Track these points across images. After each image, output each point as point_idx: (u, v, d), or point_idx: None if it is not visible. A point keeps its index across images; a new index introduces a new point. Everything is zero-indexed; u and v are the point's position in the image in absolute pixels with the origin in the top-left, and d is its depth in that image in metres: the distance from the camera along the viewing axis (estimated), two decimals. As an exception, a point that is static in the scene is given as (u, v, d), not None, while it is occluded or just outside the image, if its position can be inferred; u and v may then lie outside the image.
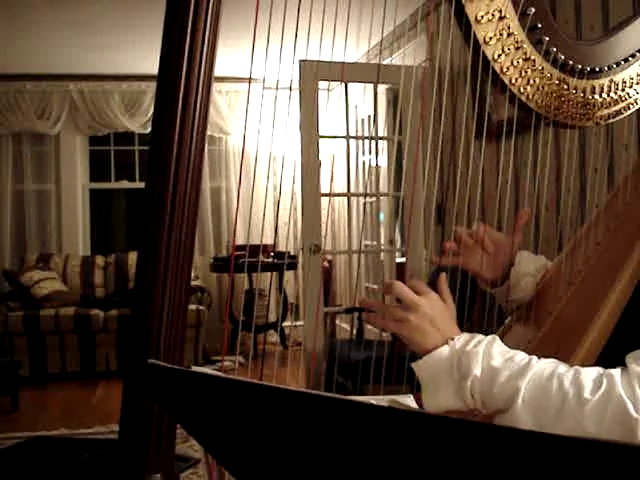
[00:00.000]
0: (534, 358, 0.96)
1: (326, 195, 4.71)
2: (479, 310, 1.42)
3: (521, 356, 0.97)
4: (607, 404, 0.87)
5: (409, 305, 1.03)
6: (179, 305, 1.07)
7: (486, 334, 1.23)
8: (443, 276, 1.11)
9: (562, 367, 0.94)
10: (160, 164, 1.05)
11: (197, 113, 1.05)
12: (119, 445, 1.09)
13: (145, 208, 1.07)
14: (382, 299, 1.18)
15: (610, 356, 0.96)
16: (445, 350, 1.00)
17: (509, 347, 1.00)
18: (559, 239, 2.82)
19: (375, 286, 5.37)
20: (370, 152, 5.38)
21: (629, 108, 1.39)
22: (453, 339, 1.00)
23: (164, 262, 1.05)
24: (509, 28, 1.23)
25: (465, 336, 1.01)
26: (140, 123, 6.32)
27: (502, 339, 1.13)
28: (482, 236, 1.33)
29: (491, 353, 0.97)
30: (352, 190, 4.81)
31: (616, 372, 0.91)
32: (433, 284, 1.12)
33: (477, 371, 0.95)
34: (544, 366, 0.94)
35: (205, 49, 1.06)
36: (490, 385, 0.94)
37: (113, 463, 1.12)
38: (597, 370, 0.92)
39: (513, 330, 1.33)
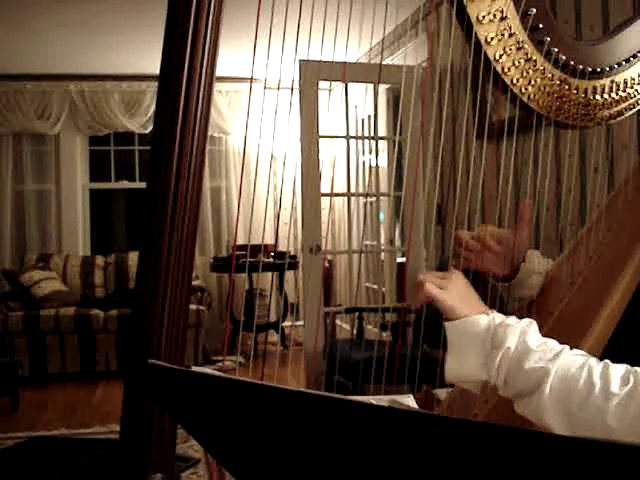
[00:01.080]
0: (567, 347, 0.96)
1: (326, 195, 4.71)
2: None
3: (554, 343, 0.97)
4: (631, 401, 0.87)
5: (444, 275, 1.06)
6: (180, 305, 1.07)
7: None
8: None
9: (593, 359, 0.94)
10: (161, 164, 1.05)
11: (198, 113, 1.05)
12: (120, 445, 1.08)
13: (146, 208, 1.07)
14: (381, 299, 1.18)
15: (612, 356, 0.96)
16: (483, 319, 1.00)
17: None
18: (560, 239, 2.82)
19: (375, 286, 5.37)
20: (370, 152, 5.38)
21: (630, 108, 1.39)
22: (493, 312, 1.02)
23: (165, 262, 1.05)
24: (510, 28, 1.23)
25: (503, 315, 1.02)
26: (140, 123, 6.32)
27: None
28: (486, 241, 1.32)
29: (528, 332, 0.97)
30: (352, 190, 4.82)
31: None
32: None
33: (512, 344, 0.95)
34: (575, 356, 0.94)
35: (207, 49, 1.06)
36: (521, 362, 0.94)
37: (114, 463, 1.12)
38: (625, 367, 0.92)
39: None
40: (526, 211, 1.37)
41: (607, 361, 0.93)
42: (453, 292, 1.03)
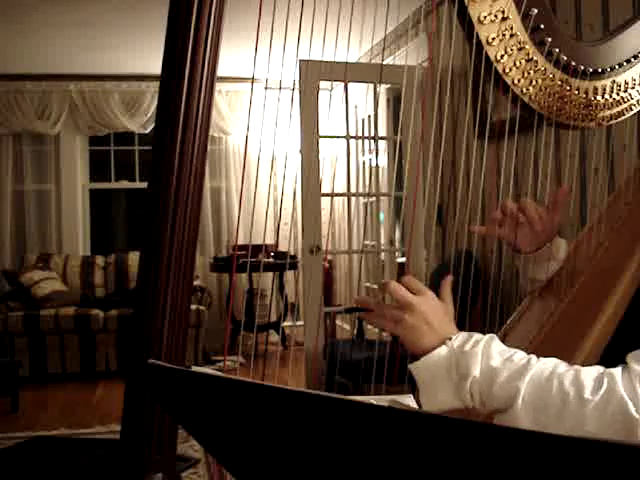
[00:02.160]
0: (533, 357, 0.95)
1: (326, 195, 4.71)
2: (480, 309, 1.42)
3: (520, 355, 0.96)
4: (608, 404, 0.86)
5: (404, 305, 1.03)
6: (181, 305, 1.07)
7: (488, 332, 1.23)
8: (449, 279, 1.11)
9: (562, 366, 0.93)
10: (163, 164, 1.05)
11: (200, 113, 1.05)
12: (120, 445, 1.08)
13: (148, 208, 1.07)
14: (383, 299, 1.17)
15: (612, 356, 0.96)
16: (443, 350, 0.99)
17: (511, 346, 1.00)
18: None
19: (375, 286, 5.37)
20: (370, 152, 5.38)
21: (631, 109, 1.39)
22: (450, 339, 1.00)
23: (166, 262, 1.05)
24: (512, 29, 1.23)
25: (462, 335, 1.00)
26: (140, 123, 6.32)
27: (505, 338, 1.13)
28: (532, 213, 1.32)
29: (490, 353, 0.96)
30: (352, 190, 4.82)
31: (617, 371, 0.91)
32: (435, 283, 1.12)
33: (476, 372, 0.95)
34: (544, 366, 0.93)
35: (208, 49, 1.06)
36: (489, 385, 0.94)
37: (114, 463, 1.12)
38: (597, 369, 0.92)
39: (515, 329, 1.33)
40: (563, 196, 1.36)
41: (577, 367, 0.93)
42: (409, 322, 1.01)
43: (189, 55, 1.04)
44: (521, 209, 1.33)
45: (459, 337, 1.00)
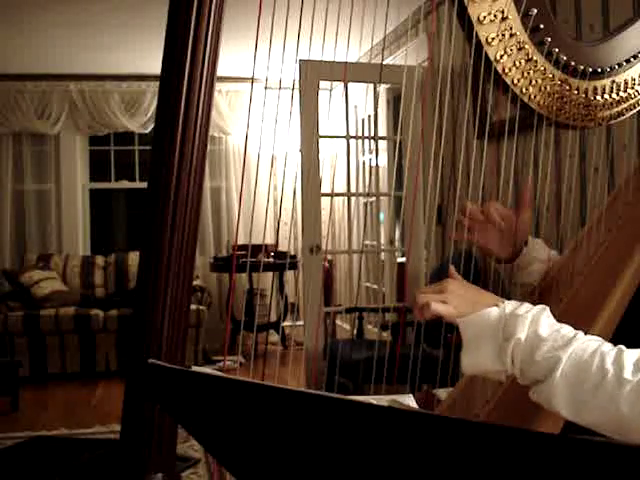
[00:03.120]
0: (580, 333, 0.96)
1: (326, 195, 4.71)
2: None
3: (568, 329, 0.96)
4: None
5: (441, 289, 1.05)
6: (181, 305, 1.07)
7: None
8: (452, 268, 1.12)
9: (607, 345, 0.93)
10: (162, 164, 1.05)
11: (199, 113, 1.05)
12: (120, 445, 1.08)
13: (147, 208, 1.07)
14: (382, 299, 1.17)
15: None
16: (494, 311, 1.00)
17: None
18: (559, 239, 2.82)
19: (375, 286, 5.37)
20: (370, 152, 5.38)
21: (631, 109, 1.39)
22: (503, 302, 1.01)
23: (166, 262, 1.05)
24: (511, 29, 1.23)
25: (513, 302, 1.01)
26: (140, 123, 6.32)
27: None
28: (491, 213, 1.33)
29: (539, 321, 0.96)
30: (352, 190, 4.81)
31: None
32: (436, 281, 1.12)
33: (522, 335, 0.95)
34: (588, 342, 0.94)
35: (208, 49, 1.06)
36: (532, 352, 0.94)
37: (114, 463, 1.12)
38: (639, 352, 0.92)
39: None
40: (526, 194, 1.38)
41: (621, 346, 0.92)
42: (457, 301, 1.03)
43: (189, 54, 1.04)
44: (483, 212, 1.34)
45: (512, 302, 1.01)
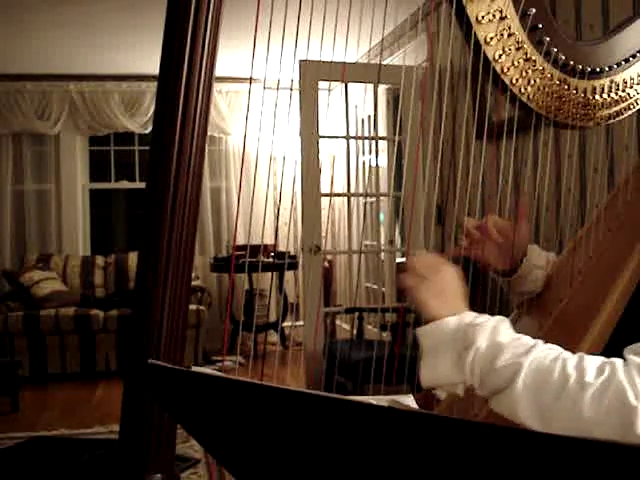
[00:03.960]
0: (540, 341, 0.95)
1: (326, 195, 4.70)
2: (479, 308, 1.42)
3: (527, 338, 0.96)
4: (607, 390, 0.86)
5: (436, 264, 1.05)
6: (180, 305, 1.07)
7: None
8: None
9: (567, 353, 0.93)
10: (161, 164, 1.05)
11: (198, 113, 1.05)
12: (119, 445, 1.08)
13: (146, 208, 1.07)
14: (381, 299, 1.16)
15: (611, 355, 0.96)
16: (452, 320, 0.99)
17: None
18: (559, 239, 2.82)
19: (375, 286, 5.37)
20: (370, 152, 5.38)
21: (630, 108, 1.39)
22: (463, 313, 1.00)
23: (165, 262, 1.05)
24: (510, 28, 1.23)
25: (473, 313, 1.01)
26: (140, 123, 6.32)
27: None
28: (489, 229, 1.33)
29: (499, 329, 0.96)
30: (352, 190, 4.81)
31: (618, 361, 0.91)
32: None
33: (482, 344, 0.94)
34: (549, 350, 0.93)
35: (206, 49, 1.06)
36: (492, 360, 0.93)
37: (113, 463, 1.12)
38: (601, 359, 0.91)
39: (514, 329, 1.33)
40: (524, 206, 1.38)
41: (581, 354, 0.92)
42: (431, 284, 1.03)
43: (187, 55, 1.04)
44: (479, 228, 1.34)
45: (470, 313, 1.01)
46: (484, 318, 0.98)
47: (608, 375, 0.87)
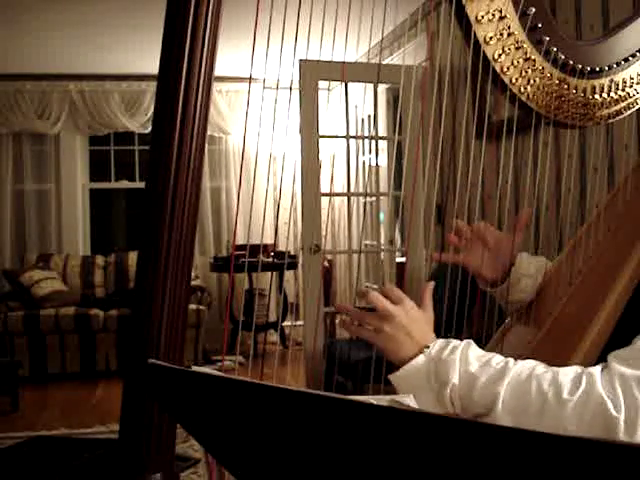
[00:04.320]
0: (511, 360, 0.96)
1: (326, 195, 4.70)
2: (479, 310, 1.42)
3: (497, 359, 0.97)
4: (587, 404, 0.87)
5: (385, 315, 1.03)
6: (179, 305, 1.07)
7: (486, 334, 1.23)
8: (430, 285, 1.12)
9: (540, 368, 0.94)
10: (160, 164, 1.05)
11: (197, 113, 1.05)
12: (119, 445, 1.08)
13: (145, 208, 1.07)
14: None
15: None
16: (421, 359, 1.00)
17: (509, 347, 1.00)
18: (559, 239, 2.82)
19: (375, 286, 5.37)
20: (370, 152, 5.38)
21: (629, 108, 1.39)
22: (428, 347, 1.00)
23: (164, 262, 1.05)
24: (509, 28, 1.23)
25: (440, 342, 1.01)
26: (140, 123, 6.32)
27: (502, 339, 1.13)
28: (483, 232, 1.33)
29: (467, 359, 0.97)
30: (352, 190, 4.81)
31: (596, 370, 0.91)
32: (436, 281, 1.12)
33: (455, 379, 0.95)
34: (521, 368, 0.94)
35: (205, 49, 1.06)
36: (469, 391, 0.95)
37: (113, 463, 1.12)
38: (575, 370, 0.92)
39: (513, 330, 1.33)
40: (524, 219, 1.37)
41: (554, 368, 0.93)
42: (389, 333, 1.02)
43: (186, 54, 1.04)
44: (474, 231, 1.34)
45: (436, 345, 1.01)
46: (450, 348, 0.99)
47: (585, 388, 0.88)
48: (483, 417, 0.93)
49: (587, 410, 0.87)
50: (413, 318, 1.04)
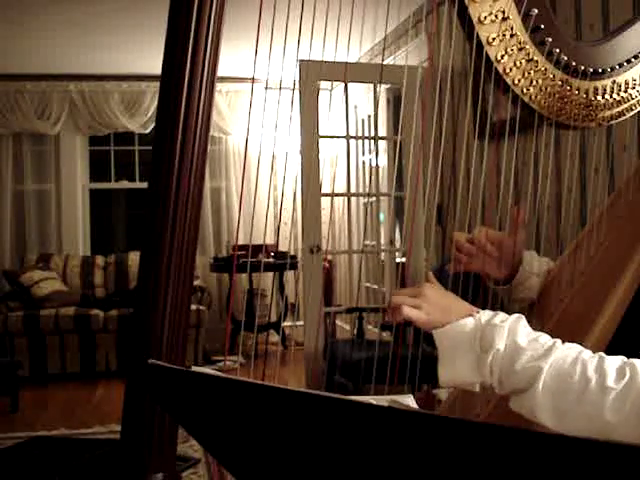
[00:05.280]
0: (559, 341, 0.95)
1: (326, 195, 4.71)
2: (481, 308, 1.42)
3: (546, 338, 0.96)
4: (628, 394, 0.86)
5: (417, 292, 1.03)
6: (181, 305, 1.07)
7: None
8: (430, 274, 1.12)
9: (586, 353, 0.93)
10: (163, 165, 1.05)
11: (200, 113, 1.05)
12: (121, 445, 1.08)
13: (148, 208, 1.07)
14: (382, 299, 1.15)
15: (613, 355, 0.96)
16: (470, 321, 0.99)
17: None
18: (560, 240, 2.81)
19: (375, 286, 5.37)
20: (370, 152, 5.38)
21: (632, 109, 1.39)
22: (478, 312, 1.00)
23: (166, 262, 1.05)
24: (512, 29, 1.23)
25: (489, 311, 1.00)
26: (140, 123, 6.32)
27: None
28: (483, 242, 1.33)
29: (517, 330, 0.96)
30: (352, 190, 4.81)
31: (638, 362, 0.90)
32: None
33: (501, 345, 0.94)
34: (568, 350, 0.93)
35: (208, 50, 1.06)
36: (512, 362, 0.93)
37: (115, 463, 1.12)
38: (621, 359, 0.91)
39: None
40: (520, 216, 1.37)
41: (602, 354, 0.92)
42: (430, 308, 1.01)
43: (189, 55, 1.04)
44: (474, 243, 1.34)
45: (486, 312, 1.00)
46: (501, 317, 0.98)
47: (628, 380, 0.87)
48: (520, 393, 0.92)
49: (628, 400, 0.86)
50: (443, 292, 1.05)
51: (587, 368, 0.89)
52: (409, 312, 1.02)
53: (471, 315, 1.00)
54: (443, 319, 1.01)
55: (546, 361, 0.91)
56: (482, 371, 0.95)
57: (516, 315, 0.99)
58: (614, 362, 0.90)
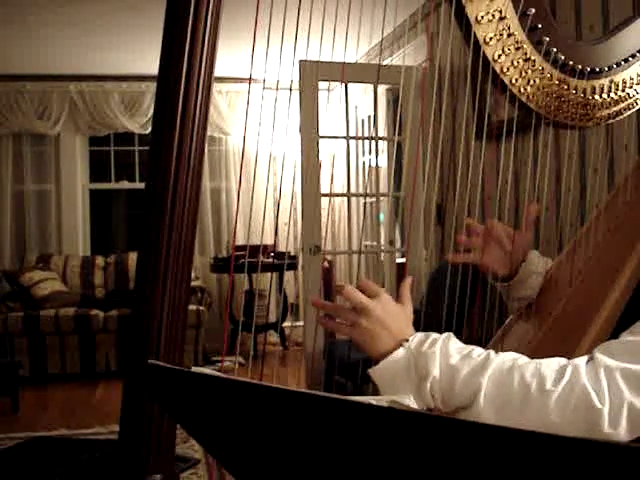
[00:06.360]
0: (492, 352, 0.95)
1: (326, 195, 4.71)
2: (479, 310, 1.42)
3: (478, 351, 0.96)
4: (571, 395, 0.86)
5: (360, 309, 1.01)
6: (179, 305, 1.07)
7: (486, 333, 1.23)
8: (408, 280, 1.10)
9: (522, 359, 0.93)
10: (160, 164, 1.05)
11: (197, 113, 1.05)
12: (119, 446, 1.08)
13: (145, 208, 1.07)
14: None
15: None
16: (400, 352, 0.98)
17: (509, 347, 1.00)
18: (559, 239, 2.82)
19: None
20: (370, 152, 5.38)
21: (629, 108, 1.39)
22: (407, 340, 0.99)
23: (164, 262, 1.05)
24: (509, 28, 1.23)
25: (419, 336, 0.99)
26: (140, 123, 6.32)
27: (502, 339, 1.13)
28: (499, 231, 1.33)
29: (448, 351, 0.95)
30: (352, 190, 4.81)
31: (581, 362, 0.90)
32: (435, 281, 1.12)
33: (436, 372, 0.94)
34: (503, 360, 0.93)
35: (205, 49, 1.06)
36: (450, 384, 0.93)
37: (113, 464, 1.12)
38: (558, 361, 0.91)
39: (513, 330, 1.34)
40: (532, 213, 1.37)
41: (537, 359, 0.92)
42: (369, 326, 1.00)
43: (186, 55, 1.04)
44: (488, 230, 1.33)
45: (416, 338, 0.99)
46: (430, 341, 0.97)
47: (570, 379, 0.87)
48: (465, 410, 0.92)
49: (570, 401, 0.86)
50: (390, 312, 1.02)
51: (524, 374, 0.89)
52: (340, 329, 1.03)
53: (400, 345, 0.99)
54: (370, 347, 1.01)
55: (483, 375, 0.91)
56: (424, 398, 0.95)
57: (445, 334, 0.98)
58: (552, 364, 0.90)
